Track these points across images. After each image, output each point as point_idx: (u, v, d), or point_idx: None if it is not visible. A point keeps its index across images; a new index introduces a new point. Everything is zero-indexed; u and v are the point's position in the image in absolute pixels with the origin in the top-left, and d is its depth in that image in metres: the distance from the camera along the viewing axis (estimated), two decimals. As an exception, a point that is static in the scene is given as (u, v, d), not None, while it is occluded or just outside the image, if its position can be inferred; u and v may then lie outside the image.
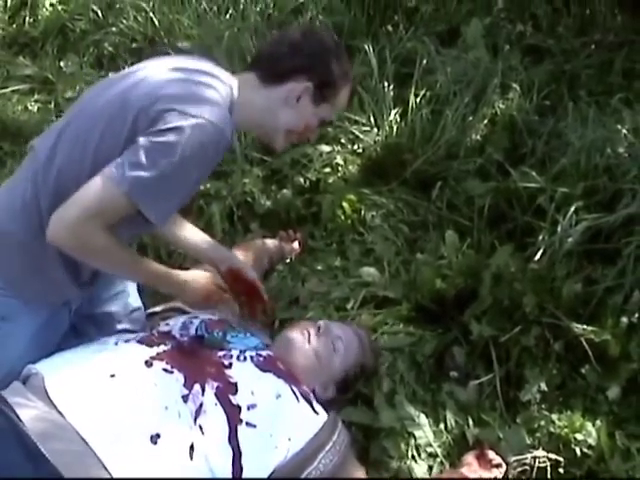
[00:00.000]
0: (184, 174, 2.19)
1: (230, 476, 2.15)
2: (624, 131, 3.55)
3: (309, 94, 2.37)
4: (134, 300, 2.75)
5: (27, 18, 5.30)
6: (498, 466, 2.45)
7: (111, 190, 2.13)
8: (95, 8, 5.21)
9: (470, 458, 2.47)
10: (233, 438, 2.18)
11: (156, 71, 2.33)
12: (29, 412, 2.06)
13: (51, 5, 5.39)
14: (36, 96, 4.60)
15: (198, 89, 2.24)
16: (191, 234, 2.80)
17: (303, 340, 2.59)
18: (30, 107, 4.47)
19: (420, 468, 2.49)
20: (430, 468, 2.51)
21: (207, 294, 2.60)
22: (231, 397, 2.25)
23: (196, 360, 2.32)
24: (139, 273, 2.44)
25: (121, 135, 2.20)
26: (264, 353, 2.46)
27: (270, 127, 2.41)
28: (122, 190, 2.13)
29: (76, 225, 2.14)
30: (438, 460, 2.52)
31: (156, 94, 2.20)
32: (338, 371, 2.61)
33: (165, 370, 2.24)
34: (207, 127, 2.15)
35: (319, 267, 3.23)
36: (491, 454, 2.46)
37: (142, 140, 2.14)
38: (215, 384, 2.26)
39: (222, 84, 2.30)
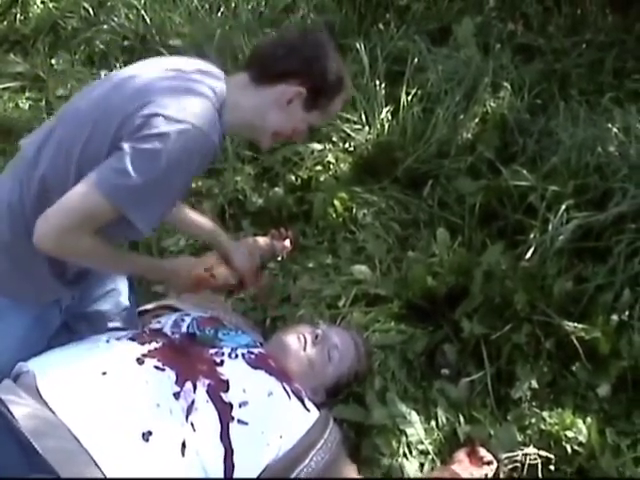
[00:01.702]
0: (169, 180, 2.15)
1: (222, 473, 2.15)
2: (615, 130, 3.57)
3: (301, 99, 2.32)
4: (125, 298, 2.74)
5: (18, 15, 5.30)
6: (489, 463, 2.45)
7: (95, 197, 2.10)
8: (86, 6, 5.21)
9: (461, 455, 2.48)
10: (225, 435, 2.18)
11: (144, 73, 2.29)
12: (21, 410, 2.05)
13: (42, 3, 5.39)
14: (27, 94, 4.60)
15: (185, 93, 2.20)
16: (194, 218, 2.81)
17: (299, 347, 2.59)
18: (21, 105, 4.47)
19: (411, 465, 2.49)
20: (421, 465, 2.51)
21: (196, 280, 2.58)
22: (222, 395, 2.25)
23: (188, 358, 2.32)
24: (126, 268, 2.47)
25: (105, 140, 2.16)
26: (256, 351, 2.46)
27: (258, 127, 2.37)
28: (106, 197, 2.10)
29: (61, 232, 2.12)
30: (429, 457, 2.52)
31: (141, 99, 2.16)
32: (330, 378, 2.61)
33: (157, 367, 2.23)
34: (192, 132, 2.12)
35: (310, 265, 3.23)
36: (482, 451, 2.47)
37: (126, 146, 2.09)
38: (207, 381, 2.25)
39: (212, 85, 2.26)
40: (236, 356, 2.39)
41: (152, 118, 2.10)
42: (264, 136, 2.40)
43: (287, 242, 3.25)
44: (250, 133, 2.46)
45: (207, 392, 2.23)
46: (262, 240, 3.18)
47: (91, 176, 2.11)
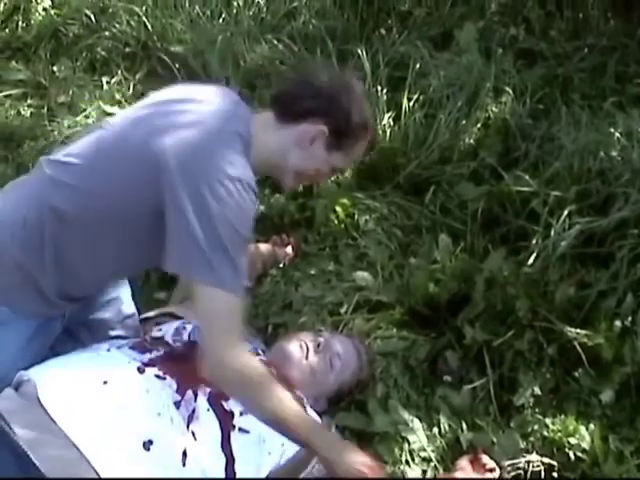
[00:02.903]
0: (243, 240, 2.18)
1: (223, 482, 2.15)
2: (617, 134, 3.55)
3: (323, 139, 2.32)
4: (127, 307, 2.74)
5: (20, 23, 5.29)
6: (492, 470, 2.44)
7: (223, 297, 2.10)
8: (88, 13, 5.19)
9: (464, 462, 2.47)
10: (226, 444, 2.18)
11: (177, 119, 2.26)
12: (21, 419, 2.05)
13: (44, 10, 5.37)
14: (29, 101, 4.59)
15: (228, 148, 2.18)
16: None
17: (301, 355, 2.58)
18: (23, 112, 4.47)
19: (414, 473, 2.48)
20: (424, 472, 2.50)
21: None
22: (224, 403, 2.25)
23: (189, 366, 2.31)
24: (304, 426, 2.22)
25: (146, 191, 2.18)
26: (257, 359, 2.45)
27: (281, 166, 2.37)
28: (226, 289, 2.10)
29: (223, 359, 2.12)
30: (432, 465, 2.51)
31: (186, 162, 2.14)
32: (332, 386, 2.60)
33: (157, 376, 2.24)
34: (245, 189, 2.13)
35: (312, 271, 3.22)
36: (485, 458, 2.45)
37: (197, 224, 2.08)
38: (207, 390, 2.25)
39: (241, 131, 2.25)
40: (237, 364, 2.39)
41: (205, 185, 2.09)
42: (287, 176, 2.40)
43: (289, 249, 3.25)
44: (273, 172, 2.44)
45: (208, 400, 2.23)
46: (264, 247, 3.19)
47: (201, 280, 2.11)
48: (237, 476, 2.17)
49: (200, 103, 2.33)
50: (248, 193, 2.14)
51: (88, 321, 2.64)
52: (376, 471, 2.20)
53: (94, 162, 2.27)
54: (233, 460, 2.18)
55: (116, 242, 2.27)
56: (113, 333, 2.66)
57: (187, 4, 4.98)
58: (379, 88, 3.97)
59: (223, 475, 2.15)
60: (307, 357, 2.57)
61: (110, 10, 5.22)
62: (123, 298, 2.72)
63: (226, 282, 2.09)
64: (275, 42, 4.58)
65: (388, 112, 3.90)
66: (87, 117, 4.19)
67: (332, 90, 2.32)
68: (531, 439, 2.56)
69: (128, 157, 2.23)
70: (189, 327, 2.55)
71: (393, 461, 2.49)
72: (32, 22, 5.30)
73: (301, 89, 2.36)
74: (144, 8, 5.01)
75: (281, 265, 3.26)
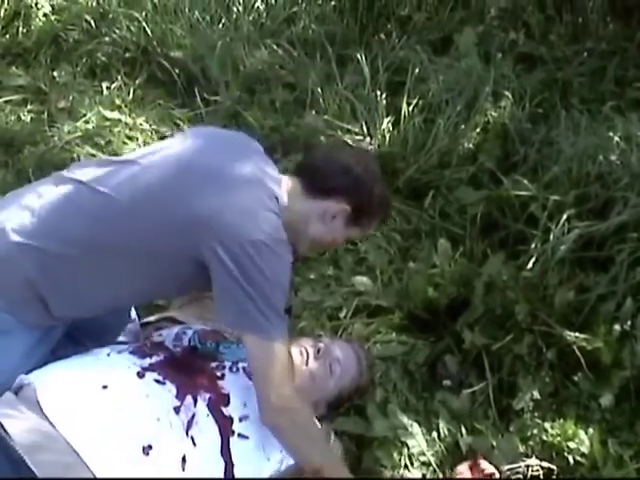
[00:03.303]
0: (286, 292, 2.27)
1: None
2: (616, 139, 3.56)
3: (344, 215, 2.39)
4: (127, 311, 2.74)
5: (20, 28, 5.27)
6: (491, 475, 2.44)
7: (272, 346, 2.19)
8: (88, 18, 5.19)
9: (463, 468, 2.47)
10: (225, 450, 2.18)
11: (221, 181, 2.31)
12: (19, 424, 2.05)
13: (44, 15, 5.36)
14: (29, 106, 4.57)
15: (264, 210, 2.25)
16: None
17: (301, 361, 2.57)
18: (23, 117, 4.45)
19: (413, 477, 2.48)
20: (423, 477, 2.50)
21: None
22: (223, 409, 2.25)
23: (188, 371, 2.32)
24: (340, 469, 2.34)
25: (181, 242, 2.24)
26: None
27: (300, 233, 2.41)
28: (275, 339, 2.19)
29: (282, 407, 2.21)
30: (431, 469, 2.51)
31: (231, 223, 2.20)
32: (332, 392, 2.60)
33: (157, 381, 2.24)
34: (283, 249, 2.23)
35: (312, 276, 3.22)
36: (484, 463, 2.46)
37: (246, 288, 2.16)
38: (207, 395, 2.26)
39: (274, 193, 2.32)
40: (237, 370, 2.40)
41: (251, 247, 2.17)
42: (303, 242, 2.45)
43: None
44: (290, 236, 2.42)
45: (208, 406, 2.23)
46: None
47: (252, 331, 2.20)
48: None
49: (236, 157, 2.40)
50: (286, 247, 2.25)
51: (89, 326, 2.63)
52: None
53: (133, 202, 2.29)
54: (232, 465, 2.18)
55: (136, 278, 2.32)
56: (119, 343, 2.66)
57: (187, 9, 4.98)
58: (378, 93, 3.98)
59: (222, 479, 2.16)
60: (307, 363, 2.57)
61: (110, 16, 5.22)
62: (124, 303, 2.72)
63: (278, 334, 2.20)
64: (275, 47, 4.59)
65: (387, 117, 3.91)
66: (87, 122, 4.19)
67: (357, 171, 2.40)
68: (530, 443, 2.57)
69: (166, 207, 2.27)
70: (189, 332, 2.55)
71: (392, 466, 2.50)
72: (32, 28, 5.28)
73: (328, 165, 2.44)
74: (144, 13, 5.01)
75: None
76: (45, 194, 2.36)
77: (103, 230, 2.26)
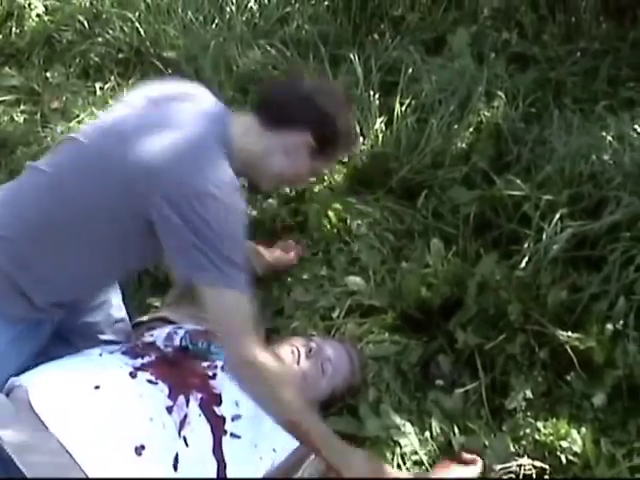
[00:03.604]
0: (241, 240, 2.22)
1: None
2: (609, 138, 3.56)
3: (308, 147, 2.34)
4: (117, 311, 2.74)
5: (13, 29, 5.28)
6: (473, 462, 2.45)
7: (229, 296, 2.15)
8: (81, 19, 5.20)
9: (445, 462, 2.48)
10: (217, 449, 2.19)
11: (150, 128, 2.27)
12: (11, 424, 2.05)
13: (37, 16, 5.37)
14: (22, 107, 4.58)
15: (207, 158, 2.20)
16: None
17: (292, 360, 2.57)
18: (16, 118, 4.46)
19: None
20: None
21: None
22: (215, 408, 2.25)
23: (180, 371, 2.32)
24: (316, 432, 2.26)
25: (121, 199, 2.21)
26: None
27: (260, 170, 2.38)
28: (232, 289, 2.15)
29: (245, 357, 2.15)
30: (424, 468, 2.52)
31: (167, 172, 2.16)
32: (324, 391, 2.60)
33: (149, 381, 2.24)
34: (231, 190, 2.17)
35: (305, 276, 3.22)
36: (464, 455, 2.46)
37: (195, 243, 2.12)
38: (199, 395, 2.26)
39: (219, 134, 2.27)
40: (229, 369, 2.39)
41: (195, 195, 2.12)
42: (267, 179, 2.43)
43: (292, 255, 3.20)
44: (251, 174, 2.44)
45: (200, 406, 2.24)
46: (265, 251, 3.14)
47: (207, 282, 2.15)
48: (229, 481, 2.18)
49: (176, 105, 2.36)
50: (236, 194, 2.18)
51: (77, 326, 2.64)
52: None
53: (74, 171, 2.29)
54: (225, 465, 2.18)
55: (83, 245, 2.29)
56: (103, 337, 2.66)
57: (180, 10, 4.99)
58: (371, 93, 3.98)
59: (215, 480, 2.16)
60: (298, 362, 2.57)
61: (103, 16, 5.23)
62: (112, 302, 2.72)
63: (235, 282, 2.14)
64: (268, 47, 4.58)
65: (380, 117, 3.91)
66: (80, 123, 4.19)
67: (319, 99, 2.33)
68: (523, 442, 2.57)
69: (105, 169, 2.25)
70: (181, 332, 2.54)
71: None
72: (25, 28, 5.29)
73: (288, 96, 2.37)
74: (137, 14, 5.02)
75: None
76: (6, 186, 2.41)
77: (50, 206, 2.26)
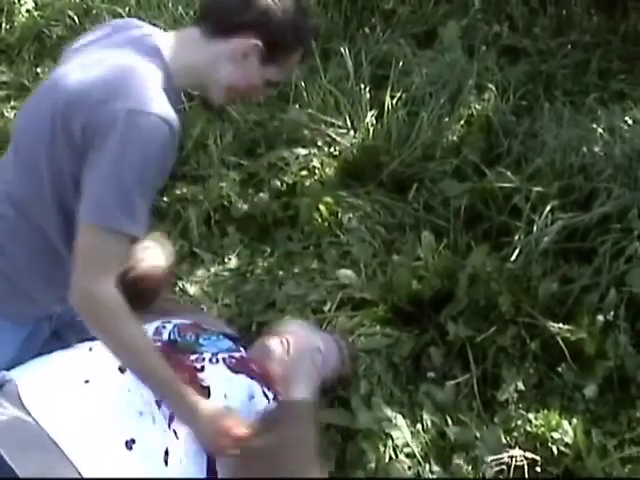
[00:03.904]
0: (148, 180, 2.07)
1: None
2: (599, 130, 3.58)
3: (257, 53, 2.19)
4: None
5: (3, 25, 5.29)
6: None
7: (96, 232, 2.03)
8: (71, 14, 5.19)
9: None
10: (207, 442, 2.18)
11: (81, 70, 2.17)
12: (1, 420, 2.04)
13: (27, 11, 5.37)
14: (12, 102, 4.58)
15: (129, 80, 2.07)
16: None
17: (282, 351, 2.58)
18: (6, 114, 4.45)
19: (398, 468, 2.48)
20: (408, 468, 2.50)
21: (221, 426, 2.19)
22: (204, 400, 2.25)
23: (169, 364, 2.31)
24: (155, 373, 2.16)
25: (67, 150, 2.11)
26: (237, 355, 2.45)
27: (210, 82, 2.24)
28: (105, 226, 2.03)
29: (85, 287, 2.05)
30: (415, 460, 2.51)
31: (79, 98, 2.07)
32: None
33: (138, 375, 2.23)
34: (153, 121, 2.02)
35: (296, 270, 3.23)
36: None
37: (97, 160, 2.02)
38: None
39: (153, 59, 2.15)
40: (217, 361, 2.38)
41: (109, 114, 2.01)
42: (216, 91, 2.28)
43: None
44: (200, 89, 2.33)
45: (189, 399, 2.23)
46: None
47: (84, 215, 2.04)
48: (219, 474, 2.17)
49: (98, 41, 2.28)
50: (159, 132, 2.04)
51: (74, 322, 2.62)
52: (236, 441, 2.18)
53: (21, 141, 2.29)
54: (214, 457, 2.18)
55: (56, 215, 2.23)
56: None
57: (170, 4, 4.98)
58: (362, 86, 3.99)
59: (205, 473, 2.15)
60: (288, 352, 2.57)
61: (94, 11, 5.23)
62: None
63: (118, 222, 2.03)
64: (258, 41, 4.57)
65: (371, 110, 3.92)
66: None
67: (263, 2, 2.18)
68: (514, 434, 2.57)
69: (38, 119, 2.18)
70: (169, 326, 2.53)
71: (377, 457, 2.49)
72: (15, 24, 5.29)
73: (228, 2, 2.22)
74: (127, 9, 5.01)
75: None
76: None
77: (15, 191, 2.24)
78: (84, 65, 2.17)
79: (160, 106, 2.05)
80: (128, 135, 2.00)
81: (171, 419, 2.17)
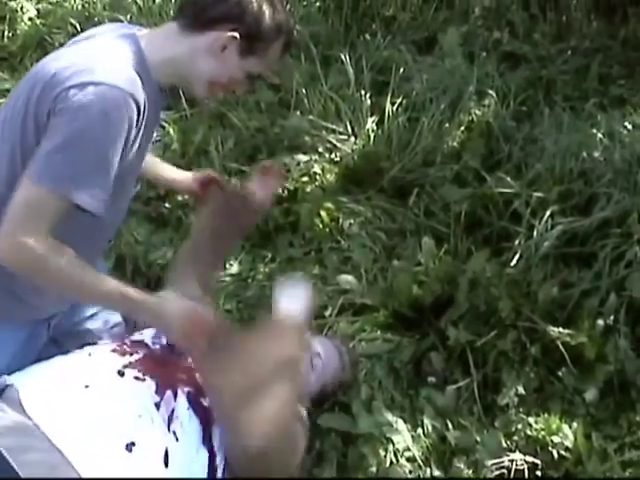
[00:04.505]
0: (101, 150, 2.06)
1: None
2: (599, 135, 3.59)
3: (235, 45, 2.19)
4: (114, 316, 2.72)
5: (5, 32, 5.29)
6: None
7: (36, 191, 2.03)
8: (73, 22, 5.19)
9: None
10: (207, 440, 2.19)
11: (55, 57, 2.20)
12: (3, 424, 2.05)
13: (29, 19, 5.37)
14: (15, 110, 4.59)
15: (94, 57, 2.09)
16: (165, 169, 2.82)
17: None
18: (9, 121, 4.46)
19: (399, 473, 2.49)
20: (409, 472, 2.51)
21: (190, 315, 2.26)
22: (202, 400, 2.25)
23: (167, 367, 2.31)
24: (99, 292, 2.18)
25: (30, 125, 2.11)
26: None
27: (191, 76, 2.25)
28: (46, 187, 2.02)
29: (14, 238, 2.04)
30: (416, 465, 2.52)
31: (52, 73, 2.07)
32: (314, 386, 2.60)
33: (137, 378, 2.23)
34: (109, 92, 2.01)
35: (297, 275, 3.23)
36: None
37: (50, 130, 2.03)
38: (186, 389, 2.25)
39: (125, 42, 2.17)
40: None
41: (65, 91, 2.02)
42: (198, 86, 2.28)
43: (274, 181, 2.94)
44: (183, 83, 2.33)
45: (187, 400, 2.23)
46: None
47: (26, 171, 2.05)
48: (219, 472, 2.19)
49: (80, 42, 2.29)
50: (107, 93, 2.03)
51: (75, 331, 2.63)
52: (202, 324, 2.22)
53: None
54: (215, 455, 2.19)
55: None
56: (101, 343, 2.65)
57: (172, 12, 4.98)
58: (363, 92, 4.00)
59: (206, 472, 2.16)
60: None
61: (96, 19, 5.22)
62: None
63: (52, 180, 2.03)
64: (259, 48, 4.58)
65: (372, 116, 3.93)
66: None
67: None
68: (515, 438, 2.57)
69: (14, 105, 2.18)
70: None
71: (378, 462, 2.50)
72: (18, 32, 5.29)
73: None
74: (129, 16, 5.02)
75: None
76: None
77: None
78: (60, 55, 2.19)
79: (113, 76, 2.04)
80: (79, 105, 2.00)
81: (170, 420, 2.17)
